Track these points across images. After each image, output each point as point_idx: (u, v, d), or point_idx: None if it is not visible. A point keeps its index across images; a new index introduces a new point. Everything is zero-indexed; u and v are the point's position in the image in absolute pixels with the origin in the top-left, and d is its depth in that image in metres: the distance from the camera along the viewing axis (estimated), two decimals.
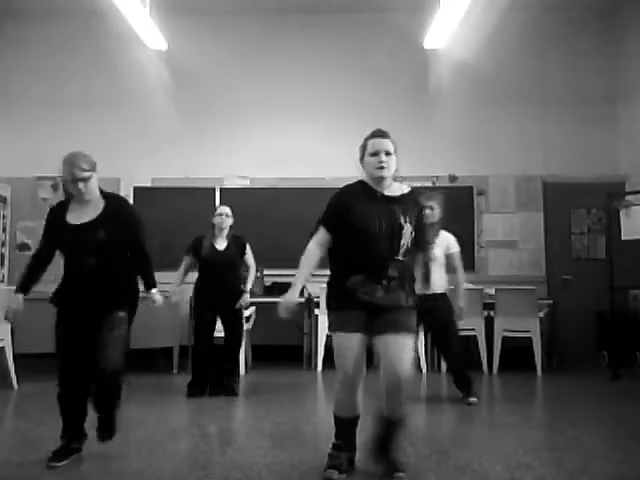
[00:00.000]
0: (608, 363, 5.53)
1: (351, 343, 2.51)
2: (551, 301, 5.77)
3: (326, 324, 2.57)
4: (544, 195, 6.49)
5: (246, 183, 6.54)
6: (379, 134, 2.64)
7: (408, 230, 2.54)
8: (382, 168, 2.56)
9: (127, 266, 2.90)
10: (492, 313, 5.46)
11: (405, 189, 2.66)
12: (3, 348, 4.51)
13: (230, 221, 4.53)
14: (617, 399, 4.33)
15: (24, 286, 2.84)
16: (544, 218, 6.48)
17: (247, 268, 4.62)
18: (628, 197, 5.41)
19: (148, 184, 6.46)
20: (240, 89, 6.59)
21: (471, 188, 6.46)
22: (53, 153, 6.38)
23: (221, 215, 4.49)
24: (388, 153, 2.59)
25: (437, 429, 3.44)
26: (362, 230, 2.50)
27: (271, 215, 6.13)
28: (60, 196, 2.95)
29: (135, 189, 6.36)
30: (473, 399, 4.07)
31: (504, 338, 5.35)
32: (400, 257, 2.52)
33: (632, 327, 5.52)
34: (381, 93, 6.54)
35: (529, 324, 5.29)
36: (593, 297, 5.78)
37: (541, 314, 5.44)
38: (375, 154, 2.58)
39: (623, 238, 5.29)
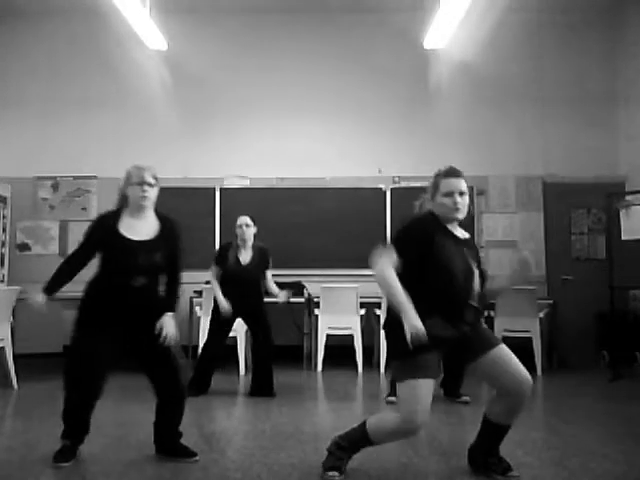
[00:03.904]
0: (608, 363, 5.53)
1: (428, 391, 2.33)
2: (551, 301, 5.76)
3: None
4: (544, 195, 6.49)
5: (246, 183, 6.54)
6: (453, 173, 2.52)
7: (477, 276, 2.45)
8: (458, 210, 2.48)
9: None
10: (492, 313, 5.46)
11: (466, 233, 2.59)
12: (3, 348, 4.51)
13: (252, 230, 4.38)
14: (617, 399, 4.33)
15: (50, 289, 2.69)
16: (544, 218, 6.48)
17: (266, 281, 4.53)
18: (628, 197, 5.40)
19: None
20: (240, 89, 6.60)
21: (471, 188, 6.44)
22: (53, 153, 6.55)
23: (241, 227, 4.35)
24: (462, 193, 2.49)
25: (437, 429, 3.43)
26: (445, 267, 2.36)
27: (271, 215, 6.12)
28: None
29: None
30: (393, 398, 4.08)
31: (504, 338, 5.34)
32: (474, 303, 2.42)
33: (632, 327, 5.53)
34: (381, 93, 6.54)
35: (529, 324, 5.29)
36: (593, 297, 5.78)
37: (541, 314, 5.45)
38: (449, 194, 2.47)
39: (623, 238, 5.29)
